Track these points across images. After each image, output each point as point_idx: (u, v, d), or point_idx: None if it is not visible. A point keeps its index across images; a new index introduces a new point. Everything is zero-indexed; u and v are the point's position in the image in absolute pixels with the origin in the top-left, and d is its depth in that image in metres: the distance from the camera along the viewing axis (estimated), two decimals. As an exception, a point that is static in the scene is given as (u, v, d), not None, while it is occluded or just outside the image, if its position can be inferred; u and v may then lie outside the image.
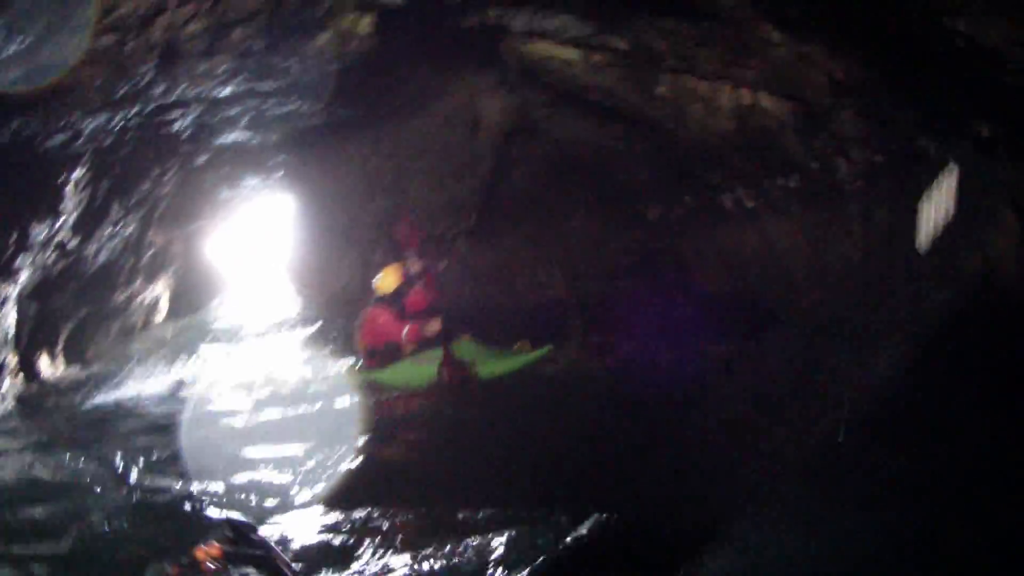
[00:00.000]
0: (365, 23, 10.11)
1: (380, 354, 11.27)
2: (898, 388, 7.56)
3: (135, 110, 10.48)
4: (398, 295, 11.51)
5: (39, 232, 11.44)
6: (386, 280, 11.50)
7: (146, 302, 17.49)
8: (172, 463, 8.76)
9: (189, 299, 19.99)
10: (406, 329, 11.23)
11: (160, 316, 18.61)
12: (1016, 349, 7.65)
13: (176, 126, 12.13)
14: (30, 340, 13.18)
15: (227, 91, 11.26)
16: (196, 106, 11.59)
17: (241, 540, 5.48)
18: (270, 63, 10.39)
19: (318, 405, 11.03)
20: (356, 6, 9.82)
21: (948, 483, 5.99)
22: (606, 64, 11.33)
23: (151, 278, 17.10)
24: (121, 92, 9.62)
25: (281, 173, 17.45)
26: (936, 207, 8.99)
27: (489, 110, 14.47)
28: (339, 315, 16.21)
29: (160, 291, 18.07)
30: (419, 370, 11.00)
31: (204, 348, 16.20)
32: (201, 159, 15.05)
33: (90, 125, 10.36)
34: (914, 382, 7.63)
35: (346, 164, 15.84)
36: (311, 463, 8.54)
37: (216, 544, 5.40)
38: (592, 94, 12.17)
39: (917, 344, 8.63)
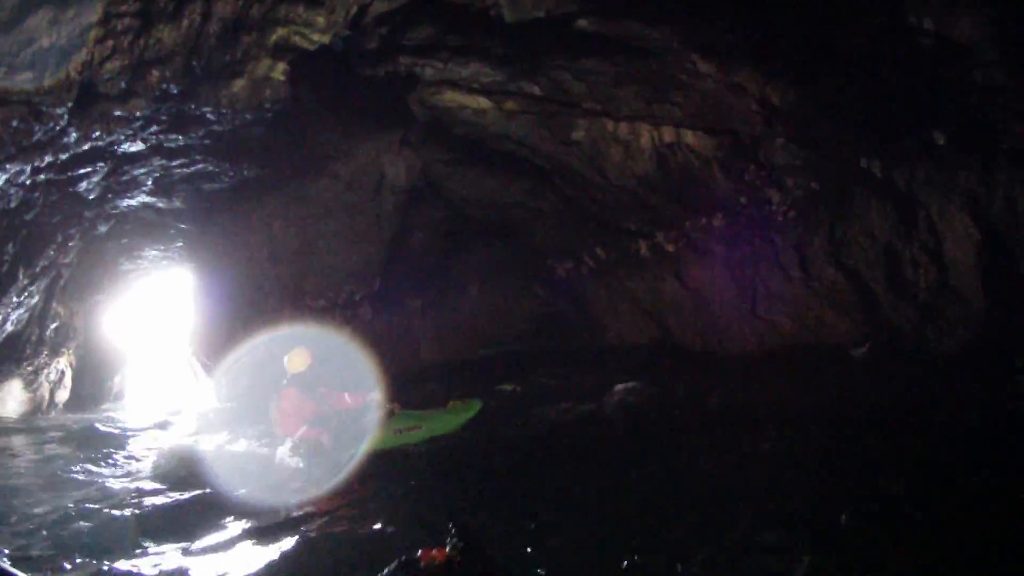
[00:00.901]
0: (279, 69, 9.87)
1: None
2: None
3: (47, 161, 10.01)
4: (303, 379, 11.03)
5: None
6: (295, 360, 11.00)
7: (51, 377, 16.80)
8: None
9: (92, 375, 19.24)
10: (343, 397, 10.76)
11: (65, 393, 17.89)
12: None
13: (83, 185, 11.72)
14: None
15: (137, 146, 10.89)
16: (104, 164, 11.17)
17: (468, 551, 5.16)
18: (186, 111, 10.00)
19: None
20: (270, 53, 9.53)
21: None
22: (520, 111, 11.12)
23: (55, 352, 16.44)
24: (36, 137, 9.18)
25: (180, 244, 16.94)
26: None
27: (393, 169, 14.17)
28: (245, 386, 15.63)
29: (64, 366, 17.38)
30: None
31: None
32: (103, 228, 14.58)
33: (1, 177, 9.89)
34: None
35: (249, 230, 15.36)
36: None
37: (444, 549, 5.11)
38: (504, 144, 11.94)
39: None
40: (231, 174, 13.08)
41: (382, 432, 10.50)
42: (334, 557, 6.68)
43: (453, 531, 5.19)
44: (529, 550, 6.02)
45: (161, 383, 24.01)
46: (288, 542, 6.94)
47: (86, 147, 10.17)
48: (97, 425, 14.06)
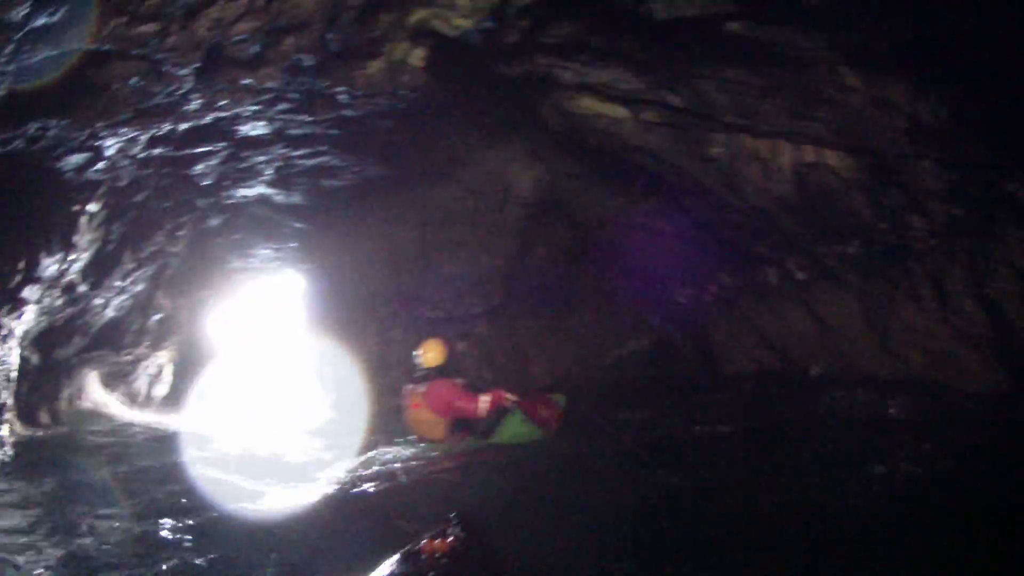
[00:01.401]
0: (417, 55, 9.72)
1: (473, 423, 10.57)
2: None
3: (164, 130, 9.95)
4: (446, 371, 10.85)
5: (49, 265, 10.92)
6: (431, 353, 10.84)
7: (150, 370, 16.87)
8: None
9: (192, 374, 19.33)
10: (487, 398, 10.55)
11: (163, 388, 17.98)
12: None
13: (198, 168, 11.77)
14: (32, 392, 12.60)
15: (260, 129, 10.85)
16: (224, 146, 11.16)
17: (471, 540, 5.34)
18: (318, 89, 9.94)
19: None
20: (409, 35, 9.39)
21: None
22: (658, 122, 10.89)
23: (157, 345, 16.50)
24: (154, 100, 9.12)
25: (294, 244, 16.92)
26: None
27: (520, 180, 14.00)
28: (358, 393, 15.49)
29: (164, 360, 17.45)
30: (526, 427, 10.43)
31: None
32: (215, 221, 14.66)
33: (112, 144, 9.87)
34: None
35: (367, 234, 15.31)
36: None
37: (445, 539, 5.27)
38: (638, 158, 11.67)
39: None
40: (354, 170, 13.00)
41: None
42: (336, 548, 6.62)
43: (455, 522, 5.34)
44: (533, 544, 5.94)
45: (264, 388, 24.09)
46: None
47: (208, 119, 10.08)
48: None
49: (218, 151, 11.43)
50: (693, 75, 9.82)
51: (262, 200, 14.14)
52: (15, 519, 7.81)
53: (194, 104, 9.54)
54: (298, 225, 15.74)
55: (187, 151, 11.08)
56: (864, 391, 10.47)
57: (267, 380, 24.10)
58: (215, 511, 8.19)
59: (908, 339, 10.52)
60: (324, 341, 17.52)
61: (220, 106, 9.77)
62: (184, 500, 8.77)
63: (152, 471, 10.58)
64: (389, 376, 15.55)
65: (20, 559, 6.52)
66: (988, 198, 8.89)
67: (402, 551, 5.21)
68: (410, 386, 10.90)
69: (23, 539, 7.13)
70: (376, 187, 13.88)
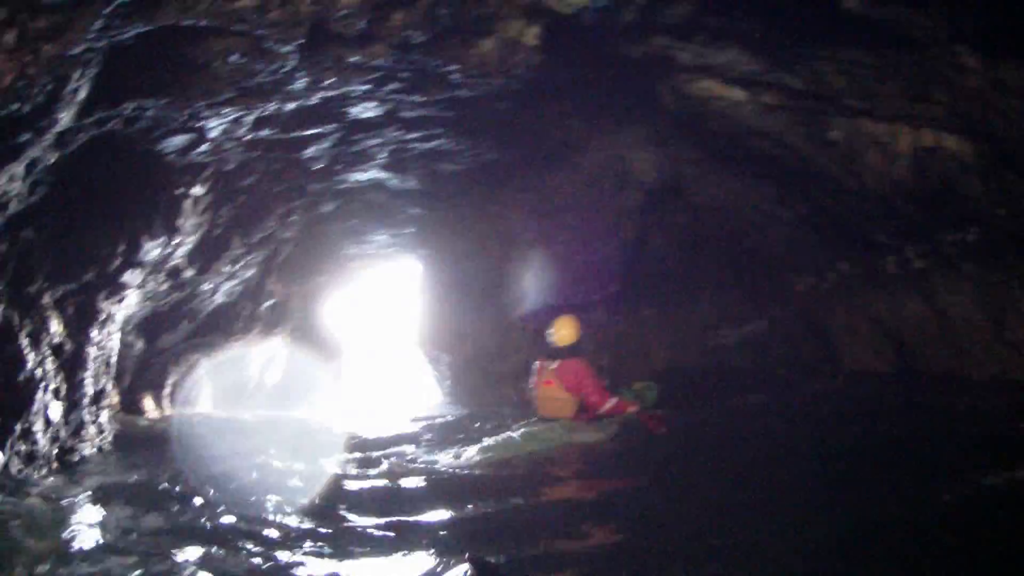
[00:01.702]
0: (531, 33, 9.71)
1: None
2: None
3: (270, 110, 10.02)
4: (579, 349, 10.81)
5: (151, 248, 11.05)
6: (564, 331, 10.77)
7: (261, 358, 17.04)
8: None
9: (306, 362, 19.45)
10: (614, 402, 10.59)
11: (276, 376, 18.16)
12: None
13: (309, 152, 11.79)
14: (136, 379, 12.80)
15: (371, 111, 10.92)
16: (335, 128, 11.22)
17: None
18: (428, 68, 9.97)
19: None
20: (523, 13, 9.42)
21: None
22: (777, 105, 10.82)
23: (268, 331, 16.67)
24: (256, 80, 9.17)
25: (410, 230, 16.99)
26: None
27: (639, 165, 13.94)
28: (475, 381, 15.54)
29: (276, 348, 17.61)
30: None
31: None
32: (328, 206, 14.76)
33: (215, 126, 9.96)
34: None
35: (484, 220, 15.38)
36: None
37: None
38: (757, 142, 11.57)
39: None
40: (469, 154, 13.02)
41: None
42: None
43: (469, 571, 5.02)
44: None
45: (382, 379, 24.08)
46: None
47: (315, 100, 10.08)
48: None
49: (328, 134, 11.49)
50: (811, 56, 9.76)
51: (376, 185, 14.23)
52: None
53: (299, 83, 9.57)
54: (414, 210, 15.83)
55: (296, 133, 11.12)
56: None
57: (383, 368, 24.16)
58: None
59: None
60: (441, 329, 17.60)
61: (327, 85, 9.79)
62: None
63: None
64: (508, 363, 15.62)
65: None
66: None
67: None
68: (540, 363, 10.87)
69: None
70: (492, 172, 13.91)
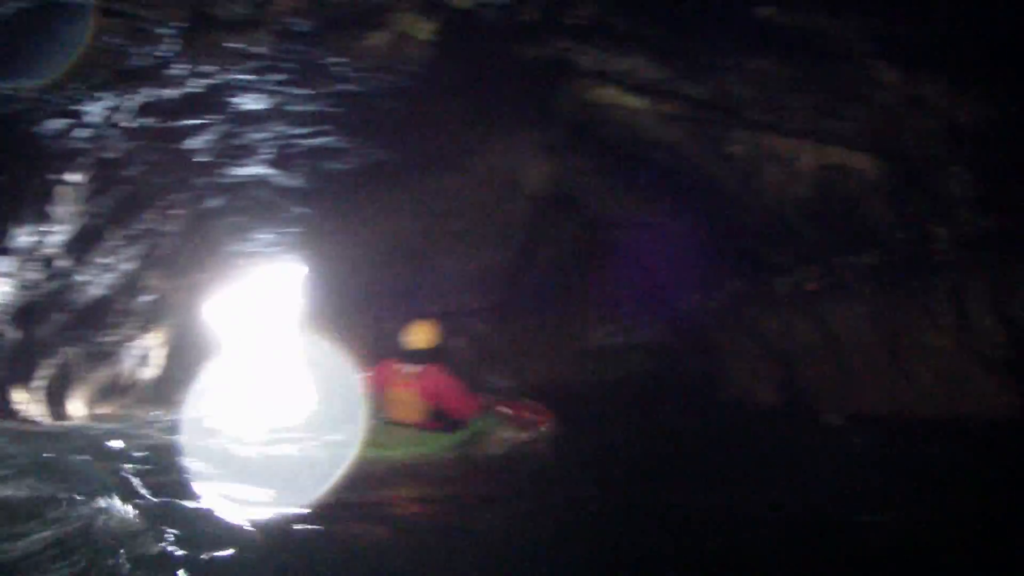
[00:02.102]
0: (427, 29, 9.20)
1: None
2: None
3: (150, 96, 9.42)
4: (436, 354, 10.19)
5: (23, 236, 10.42)
6: (422, 335, 10.12)
7: (135, 353, 16.30)
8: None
9: (184, 361, 18.72)
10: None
11: (150, 373, 17.40)
12: None
13: (193, 143, 11.16)
14: (8, 372, 12.06)
15: (257, 103, 10.34)
16: (219, 120, 10.62)
17: None
18: (314, 59, 9.36)
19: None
20: (420, 6, 8.90)
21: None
22: (677, 115, 10.44)
23: (147, 327, 15.93)
24: (135, 62, 8.57)
25: (294, 230, 16.43)
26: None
27: (530, 173, 13.50)
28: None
29: (153, 344, 16.88)
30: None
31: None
32: (213, 202, 14.11)
33: (94, 111, 9.36)
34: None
35: (368, 223, 14.79)
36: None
37: None
38: (655, 153, 11.21)
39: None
40: (357, 154, 12.52)
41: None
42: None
43: None
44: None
45: (258, 378, 23.53)
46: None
47: (198, 88, 9.50)
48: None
49: (213, 125, 10.84)
50: (718, 66, 9.38)
51: (262, 181, 13.63)
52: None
53: (178, 68, 8.92)
54: (299, 210, 15.26)
55: (180, 122, 10.47)
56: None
57: (261, 370, 23.53)
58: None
59: (920, 356, 9.98)
60: (319, 332, 17.03)
61: (207, 72, 9.15)
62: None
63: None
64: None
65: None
66: (1019, 209, 8.38)
67: None
68: (396, 364, 10.23)
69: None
70: (380, 173, 13.40)
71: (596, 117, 11.08)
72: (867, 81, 8.54)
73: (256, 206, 15.01)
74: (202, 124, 10.76)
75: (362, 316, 15.70)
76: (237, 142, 11.65)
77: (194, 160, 11.86)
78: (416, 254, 14.82)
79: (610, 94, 10.55)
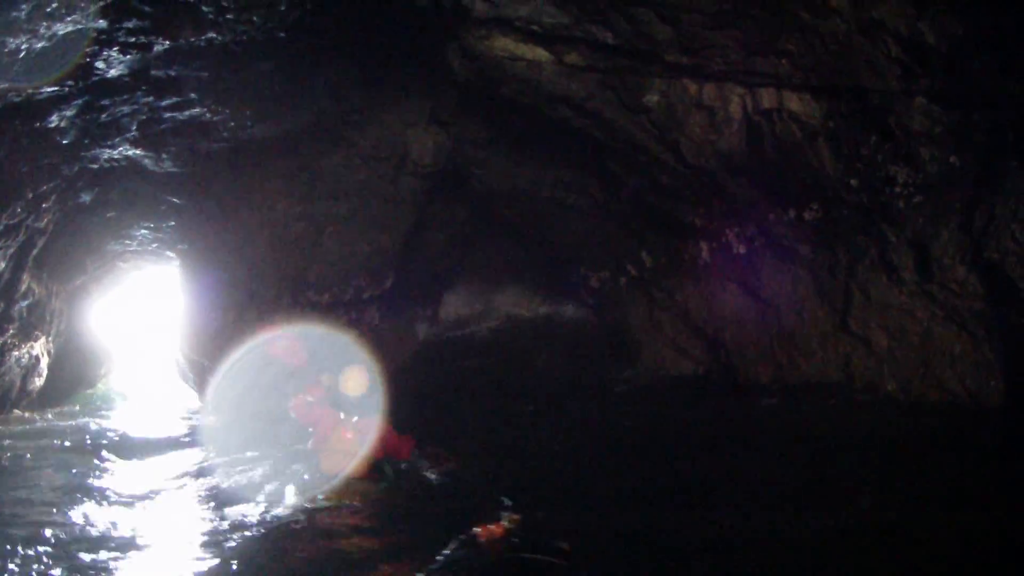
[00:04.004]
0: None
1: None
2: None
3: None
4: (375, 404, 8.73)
5: None
6: (357, 382, 8.63)
7: (23, 362, 14.54)
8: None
9: (72, 368, 17.08)
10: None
11: (39, 382, 15.68)
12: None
13: (52, 121, 9.63)
14: None
15: (115, 67, 8.76)
16: (77, 89, 8.97)
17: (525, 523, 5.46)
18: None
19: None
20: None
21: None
22: (584, 66, 8.98)
23: (28, 334, 14.12)
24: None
25: (172, 222, 14.76)
26: None
27: (418, 146, 12.07)
28: (239, 390, 13.31)
29: (39, 352, 15.13)
30: None
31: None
32: (86, 196, 12.51)
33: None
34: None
35: (249, 208, 13.18)
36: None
37: (501, 524, 5.40)
38: (558, 111, 9.72)
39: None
40: (231, 125, 10.95)
41: None
42: (392, 538, 6.05)
43: (508, 505, 5.56)
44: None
45: (149, 385, 22.04)
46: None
47: (44, 41, 7.84)
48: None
49: (73, 96, 9.21)
50: (630, 2, 7.87)
51: (132, 166, 11.92)
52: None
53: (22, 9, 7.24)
54: (174, 199, 13.58)
55: (35, 93, 8.83)
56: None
57: (148, 376, 21.99)
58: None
59: (873, 318, 8.64)
60: (200, 331, 15.34)
61: (53, 12, 7.46)
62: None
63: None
64: (269, 372, 13.49)
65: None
66: (994, 142, 7.05)
67: (458, 537, 5.29)
68: (333, 411, 8.74)
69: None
70: (257, 152, 11.89)
71: (492, 75, 9.55)
72: (810, 6, 7.13)
73: (130, 199, 13.37)
74: (61, 94, 9.08)
75: (246, 311, 14.08)
76: (101, 117, 10.05)
77: (58, 141, 10.21)
78: (301, 240, 13.25)
79: (507, 45, 9.03)
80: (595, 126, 9.76)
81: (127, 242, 16.42)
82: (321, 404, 8.57)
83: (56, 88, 8.93)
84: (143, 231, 15.68)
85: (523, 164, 11.87)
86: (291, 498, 8.04)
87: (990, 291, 7.50)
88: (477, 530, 5.33)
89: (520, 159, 11.80)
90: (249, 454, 9.77)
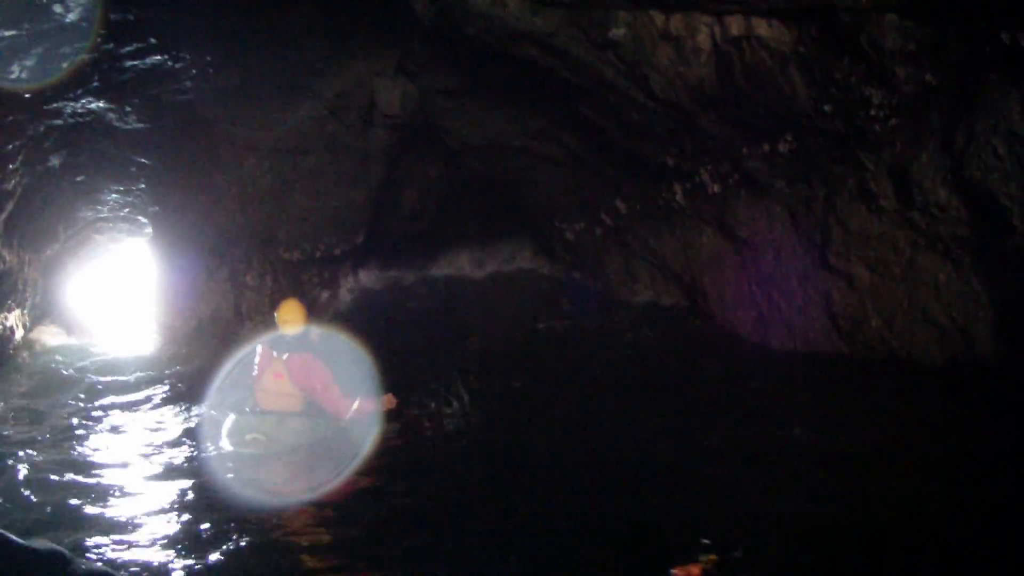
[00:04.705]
0: None
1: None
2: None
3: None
4: (310, 342, 8.39)
5: None
6: (292, 316, 8.30)
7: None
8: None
9: (45, 342, 16.69)
10: (356, 406, 8.26)
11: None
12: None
13: (14, 71, 9.31)
14: None
15: (75, 11, 8.42)
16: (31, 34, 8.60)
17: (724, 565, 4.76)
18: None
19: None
20: None
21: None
22: (548, 1, 8.50)
23: (1, 304, 13.72)
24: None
25: (143, 185, 14.39)
26: None
27: (386, 96, 11.76)
28: (211, 352, 12.94)
29: (13, 323, 14.71)
30: None
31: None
32: (55, 160, 12.10)
33: None
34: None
35: (216, 166, 12.85)
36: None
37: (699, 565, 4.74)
38: (524, 49, 9.32)
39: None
40: (192, 73, 10.60)
41: None
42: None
43: (706, 544, 4.87)
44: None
45: (123, 350, 21.76)
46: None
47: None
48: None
49: (21, 37, 8.83)
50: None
51: (97, 122, 11.60)
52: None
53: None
54: (143, 160, 13.23)
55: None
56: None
57: (126, 341, 21.72)
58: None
59: (854, 252, 8.29)
60: (171, 293, 15.00)
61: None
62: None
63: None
64: (244, 328, 13.20)
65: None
66: (974, 57, 6.68)
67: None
68: (266, 349, 8.43)
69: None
70: (223, 104, 11.56)
71: (455, 16, 9.19)
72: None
73: (99, 161, 13.08)
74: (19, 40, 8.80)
75: (216, 270, 13.74)
76: (59, 64, 9.66)
77: (16, 92, 9.83)
78: (270, 195, 12.92)
79: (471, -17, 8.66)
80: (563, 66, 9.38)
81: (99, 207, 16.16)
82: (267, 345, 8.32)
83: (14, 32, 8.60)
84: (114, 195, 15.39)
85: (494, 113, 11.55)
86: (225, 435, 8.09)
87: (973, 213, 7.13)
88: None
89: (491, 108, 11.48)
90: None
